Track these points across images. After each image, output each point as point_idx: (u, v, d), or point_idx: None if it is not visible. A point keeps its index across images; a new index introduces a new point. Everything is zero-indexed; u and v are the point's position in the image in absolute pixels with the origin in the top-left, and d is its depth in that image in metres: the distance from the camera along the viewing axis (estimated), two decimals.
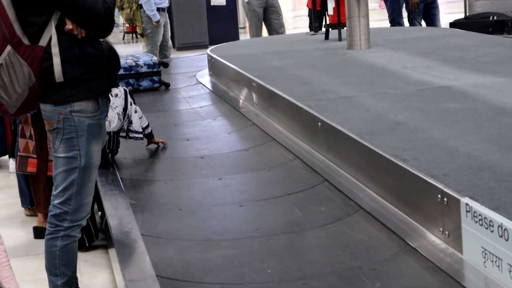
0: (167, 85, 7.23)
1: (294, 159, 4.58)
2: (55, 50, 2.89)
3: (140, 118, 4.86)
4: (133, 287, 2.91)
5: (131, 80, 7.03)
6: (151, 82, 7.14)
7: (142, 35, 9.19)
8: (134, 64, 7.05)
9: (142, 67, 7.07)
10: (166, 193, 4.27)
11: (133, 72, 7.05)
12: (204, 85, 7.29)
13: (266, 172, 4.49)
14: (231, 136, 5.41)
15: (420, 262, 3.03)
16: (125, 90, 4.80)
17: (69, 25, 2.89)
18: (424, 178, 3.23)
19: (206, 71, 7.78)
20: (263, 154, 4.85)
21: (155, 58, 7.25)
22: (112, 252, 3.69)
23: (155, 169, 4.85)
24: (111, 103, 4.62)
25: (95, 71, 2.98)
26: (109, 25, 2.96)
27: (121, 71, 6.49)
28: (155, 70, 7.12)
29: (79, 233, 3.09)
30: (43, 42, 2.90)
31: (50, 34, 2.89)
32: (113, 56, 4.53)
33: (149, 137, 5.05)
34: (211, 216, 3.82)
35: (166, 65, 7.34)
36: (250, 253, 3.32)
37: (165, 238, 3.53)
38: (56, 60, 2.89)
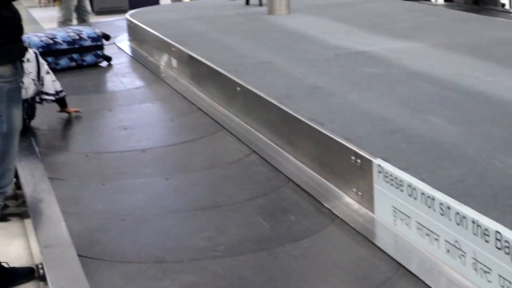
0: (109, 59, 6.62)
1: (214, 124, 4.59)
2: None
3: (53, 81, 4.76)
4: (48, 253, 2.88)
5: (74, 55, 6.38)
6: (95, 57, 6.49)
7: None
8: (77, 37, 6.39)
9: (85, 40, 6.41)
10: (88, 168, 4.13)
11: (76, 46, 6.38)
12: (123, 50, 7.20)
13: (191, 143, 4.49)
14: (156, 107, 5.36)
15: (335, 223, 3.10)
16: (35, 53, 4.70)
17: None
18: (339, 140, 3.30)
19: (125, 36, 7.68)
20: (184, 122, 4.85)
21: (98, 31, 6.59)
22: (28, 220, 3.65)
23: (75, 141, 4.79)
24: (25, 70, 4.53)
25: (12, 34, 2.91)
26: None
27: (64, 46, 6.25)
28: (99, 43, 6.50)
29: (2, 202, 3.02)
30: None
31: None
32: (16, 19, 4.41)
33: (62, 104, 4.93)
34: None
35: (108, 38, 6.67)
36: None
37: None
38: None
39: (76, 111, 5.01)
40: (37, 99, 4.75)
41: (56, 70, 5.69)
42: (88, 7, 9.28)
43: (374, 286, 2.57)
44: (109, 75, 6.29)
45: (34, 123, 4.78)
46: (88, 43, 6.40)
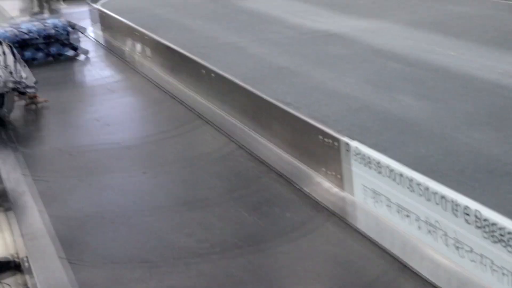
0: (75, 49, 6.38)
1: (176, 102, 4.62)
2: None
3: (30, 73, 4.76)
4: (31, 246, 2.89)
5: (41, 46, 6.17)
6: (62, 47, 6.28)
7: None
8: (42, 27, 6.18)
9: (51, 30, 6.19)
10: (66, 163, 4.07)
11: (43, 35, 6.17)
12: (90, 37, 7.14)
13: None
14: (119, 84, 5.37)
15: (305, 199, 3.15)
16: (9, 46, 4.66)
17: None
18: (306, 120, 3.33)
19: (87, 22, 7.59)
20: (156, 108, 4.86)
21: (63, 20, 6.42)
22: (9, 213, 3.64)
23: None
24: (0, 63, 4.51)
25: None
26: None
27: (29, 36, 6.07)
28: (66, 32, 6.29)
29: None
30: None
31: None
32: None
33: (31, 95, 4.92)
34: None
35: (74, 27, 6.45)
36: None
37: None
38: None
39: (45, 101, 4.98)
40: (17, 91, 4.73)
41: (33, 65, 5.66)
42: None
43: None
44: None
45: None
46: (54, 32, 6.21)
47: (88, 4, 7.56)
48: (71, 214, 3.23)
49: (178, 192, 3.43)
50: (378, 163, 2.78)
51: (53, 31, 6.17)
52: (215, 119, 4.22)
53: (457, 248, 2.40)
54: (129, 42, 6.08)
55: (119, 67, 5.86)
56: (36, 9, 8.83)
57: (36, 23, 6.17)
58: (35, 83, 4.80)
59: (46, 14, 8.88)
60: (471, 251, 2.33)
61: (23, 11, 8.82)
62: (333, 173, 3.13)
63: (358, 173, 2.92)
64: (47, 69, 5.90)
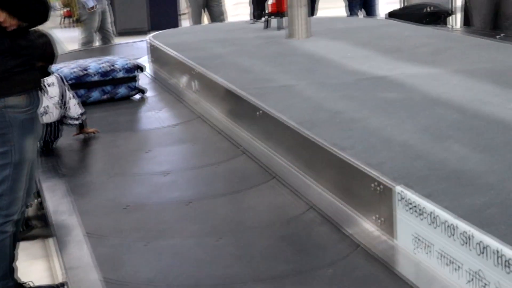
0: (143, 92, 6.30)
1: (237, 148, 4.62)
2: None
3: (76, 104, 4.83)
4: (72, 274, 2.91)
5: (107, 87, 6.08)
6: (129, 89, 6.19)
7: (78, 20, 9.06)
8: (110, 68, 6.07)
9: (119, 71, 6.09)
10: (107, 187, 4.20)
11: (109, 78, 6.08)
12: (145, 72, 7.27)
13: (212, 167, 4.52)
14: (176, 129, 5.39)
15: (356, 248, 3.12)
16: (59, 77, 4.77)
17: (0, 17, 2.82)
18: (360, 166, 3.32)
19: (145, 58, 7.75)
20: (206, 146, 4.88)
21: (131, 62, 6.29)
22: (50, 240, 3.69)
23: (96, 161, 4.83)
24: (48, 94, 4.60)
25: (28, 63, 2.94)
26: (46, 13, 2.93)
27: (96, 77, 5.97)
28: (132, 75, 6.20)
29: (13, 227, 3.06)
30: None
31: None
32: (50, 44, 4.48)
33: (82, 125, 5.00)
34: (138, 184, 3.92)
35: (142, 69, 6.38)
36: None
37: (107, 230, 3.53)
38: None
39: (95, 131, 5.07)
40: (63, 122, 4.82)
41: (87, 104, 5.65)
42: (111, 29, 9.38)
43: None
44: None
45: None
46: (121, 74, 6.12)
47: (147, 40, 7.70)
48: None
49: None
50: (432, 213, 2.75)
51: (121, 74, 6.09)
52: (291, 180, 4.01)
53: None
54: (186, 80, 6.16)
55: (177, 109, 5.83)
56: (97, 43, 9.04)
57: (103, 64, 6.05)
58: (83, 113, 4.88)
59: (99, 44, 9.09)
60: None
61: (84, 44, 9.03)
62: (384, 220, 3.10)
63: (410, 222, 2.89)
64: (101, 108, 5.88)
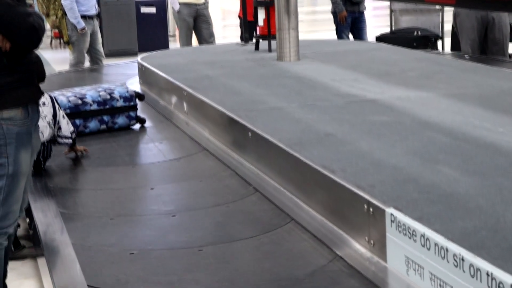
0: (142, 122, 5.94)
1: (225, 169, 4.63)
2: None
3: (67, 123, 4.86)
4: None
5: (105, 117, 5.72)
6: (127, 119, 5.82)
7: (67, 42, 9.06)
8: (108, 97, 5.72)
9: (117, 100, 5.74)
10: (96, 202, 4.23)
11: (108, 107, 5.72)
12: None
13: (198, 182, 4.52)
14: (163, 146, 5.42)
15: (347, 270, 3.12)
16: (51, 97, 4.78)
17: None
18: (351, 189, 3.33)
19: (136, 78, 7.76)
20: (194, 164, 4.89)
21: (131, 90, 5.96)
22: (41, 260, 3.67)
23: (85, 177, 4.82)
24: (40, 113, 4.60)
25: (24, 79, 3.00)
26: (38, 39, 3.00)
27: (94, 106, 5.63)
28: (132, 104, 5.83)
29: (6, 241, 3.07)
30: None
31: None
32: (38, 64, 4.49)
33: (73, 143, 5.01)
34: (143, 226, 3.81)
35: (142, 98, 6.02)
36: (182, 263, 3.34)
37: (95, 246, 3.52)
38: None
39: (84, 150, 5.08)
40: (54, 141, 4.83)
41: (84, 134, 5.54)
42: (101, 50, 9.38)
43: None
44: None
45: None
46: (120, 103, 5.78)
47: (138, 62, 7.71)
48: None
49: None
50: (422, 236, 2.76)
51: (120, 103, 5.76)
52: (281, 201, 3.97)
53: None
54: (176, 102, 6.17)
55: (175, 138, 5.58)
56: (80, 61, 9.02)
57: (102, 92, 5.75)
58: (73, 132, 4.89)
59: (89, 65, 9.09)
60: None
61: (73, 65, 9.02)
62: (375, 242, 3.11)
63: (402, 245, 2.89)
64: (98, 140, 5.57)
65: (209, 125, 5.35)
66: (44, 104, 4.67)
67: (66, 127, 4.82)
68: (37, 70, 4.44)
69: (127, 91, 5.86)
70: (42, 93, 3.05)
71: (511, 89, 5.46)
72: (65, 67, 9.43)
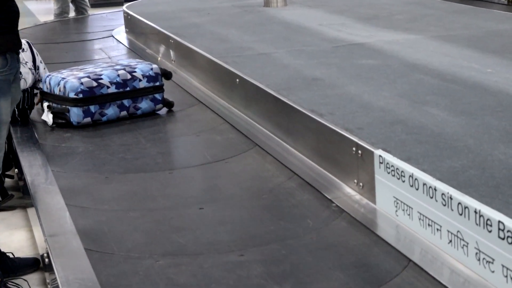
0: (170, 105, 4.84)
1: (215, 117, 4.61)
2: None
3: (44, 68, 4.83)
4: (53, 242, 2.90)
5: (125, 102, 4.64)
6: (152, 103, 4.72)
7: None
8: (129, 77, 4.64)
9: (140, 80, 4.67)
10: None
11: (128, 89, 4.64)
12: (121, 42, 7.21)
13: (192, 136, 4.51)
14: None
15: (337, 213, 3.13)
16: (28, 43, 4.73)
17: None
18: (340, 131, 3.32)
19: (122, 28, 7.69)
20: (186, 114, 4.86)
21: (155, 67, 4.80)
22: (31, 210, 3.66)
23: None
24: (21, 60, 4.55)
25: (3, 27, 2.94)
26: None
27: (112, 88, 4.57)
28: (157, 84, 4.74)
29: None
30: None
31: None
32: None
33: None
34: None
35: (169, 76, 4.95)
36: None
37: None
38: None
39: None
40: (35, 87, 4.79)
41: (100, 123, 4.56)
42: (86, 0, 9.26)
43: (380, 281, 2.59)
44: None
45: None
46: (143, 84, 4.71)
47: (124, 10, 7.62)
48: None
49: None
50: (411, 176, 2.76)
51: (143, 83, 4.71)
52: (272, 147, 4.04)
53: (487, 262, 2.36)
54: (163, 50, 6.12)
55: (166, 90, 4.84)
56: (64, 11, 8.90)
57: (120, 71, 4.68)
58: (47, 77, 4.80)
59: (74, 15, 8.96)
60: (504, 266, 2.30)
61: (58, 15, 8.91)
62: (364, 184, 3.12)
63: (391, 186, 2.90)
64: (119, 130, 4.51)
65: (196, 73, 5.32)
66: (23, 50, 4.63)
67: (43, 71, 4.80)
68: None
69: (151, 69, 4.76)
70: (21, 43, 3.00)
71: (499, 30, 5.44)
72: (50, 17, 9.32)
